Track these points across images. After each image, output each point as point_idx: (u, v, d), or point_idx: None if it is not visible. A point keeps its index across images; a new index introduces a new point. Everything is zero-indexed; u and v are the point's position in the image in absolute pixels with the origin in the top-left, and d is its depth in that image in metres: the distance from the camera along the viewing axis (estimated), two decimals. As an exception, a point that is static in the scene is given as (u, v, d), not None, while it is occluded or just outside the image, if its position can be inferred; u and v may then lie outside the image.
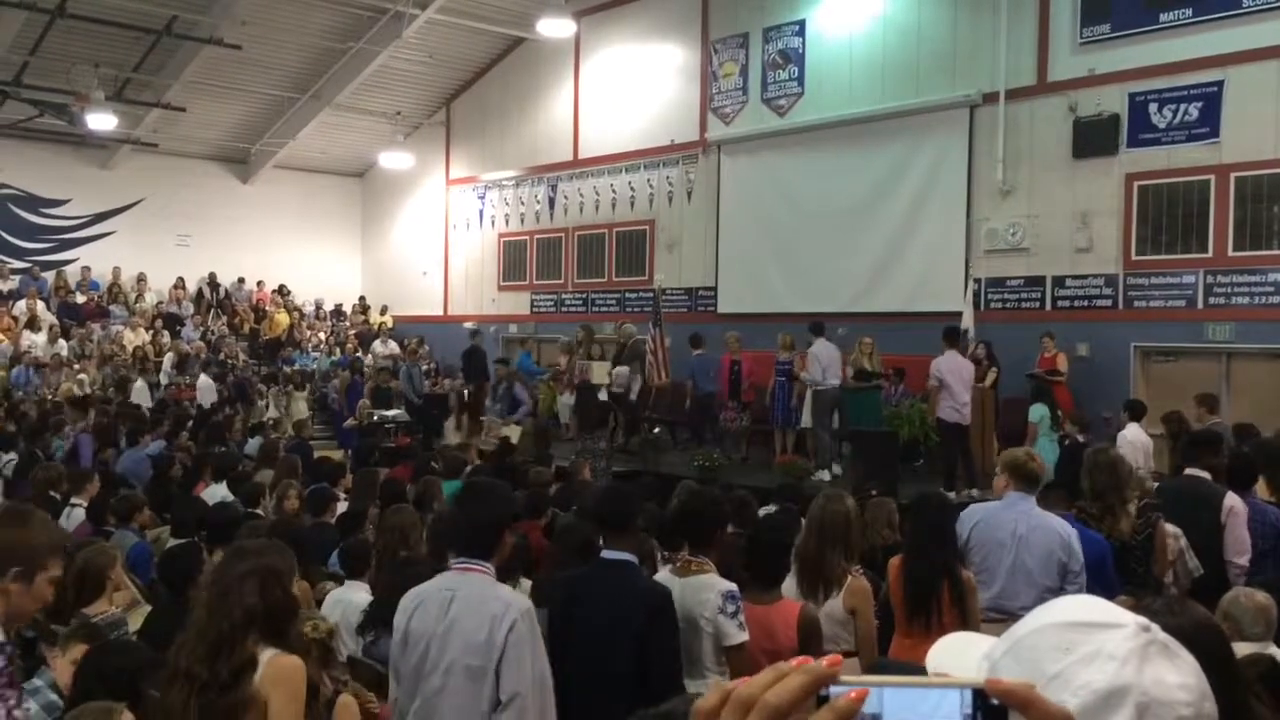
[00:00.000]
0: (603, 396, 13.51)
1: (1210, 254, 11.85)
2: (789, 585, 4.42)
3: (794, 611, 4.16)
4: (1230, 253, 11.72)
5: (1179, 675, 0.94)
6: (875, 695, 0.64)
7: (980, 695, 0.63)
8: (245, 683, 2.81)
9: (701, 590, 3.97)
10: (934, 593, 4.40)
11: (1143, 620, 0.96)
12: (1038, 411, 10.86)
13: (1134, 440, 9.38)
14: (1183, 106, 11.98)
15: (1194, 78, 11.88)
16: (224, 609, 2.87)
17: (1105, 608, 0.99)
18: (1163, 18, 12.09)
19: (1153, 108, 12.21)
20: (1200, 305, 11.92)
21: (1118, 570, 5.00)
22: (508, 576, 4.66)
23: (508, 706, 3.18)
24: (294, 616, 3.07)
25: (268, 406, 17.14)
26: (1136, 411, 9.82)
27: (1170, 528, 5.32)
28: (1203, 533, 5.47)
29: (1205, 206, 11.84)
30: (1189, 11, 11.90)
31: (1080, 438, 10.23)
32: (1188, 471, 5.92)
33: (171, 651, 2.93)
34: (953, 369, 11.00)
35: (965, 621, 4.37)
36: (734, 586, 4.02)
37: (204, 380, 17.04)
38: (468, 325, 19.79)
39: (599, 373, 13.54)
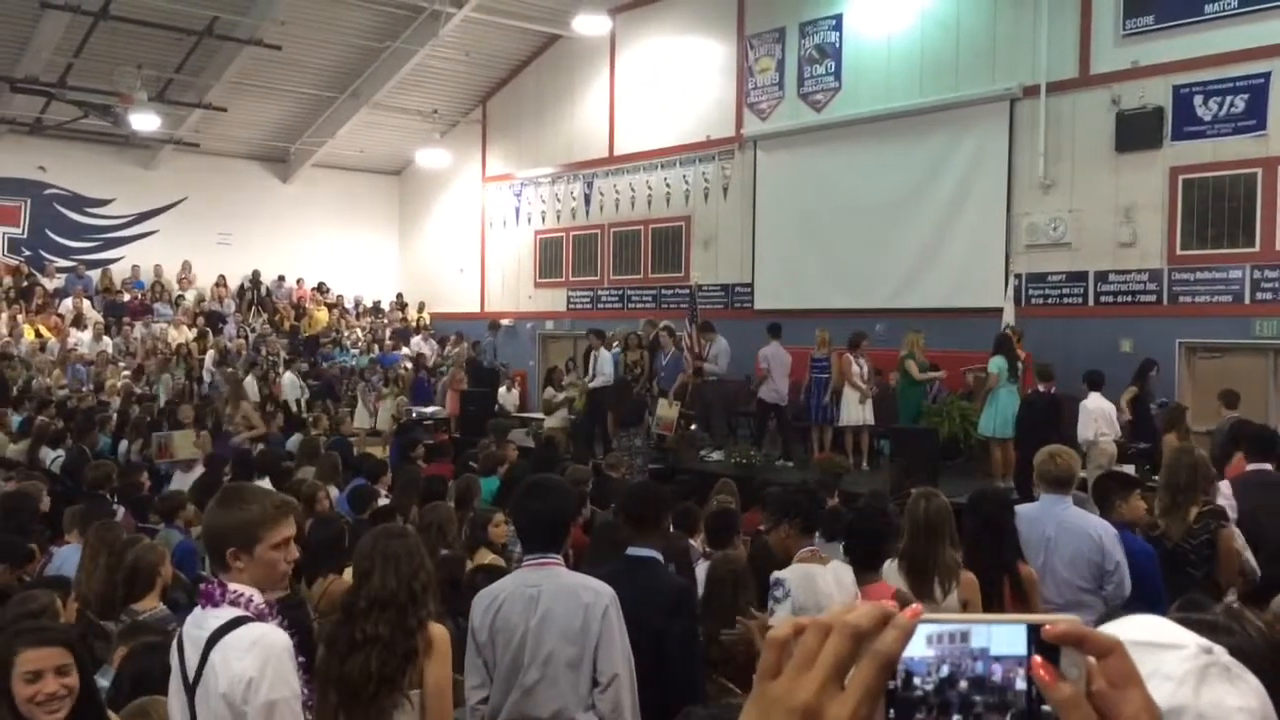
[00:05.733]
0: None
1: (1258, 248, 11.64)
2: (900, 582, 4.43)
3: (888, 593, 4.21)
4: (1278, 247, 11.51)
5: (1239, 698, 0.92)
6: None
7: (1036, 631, 0.69)
8: (419, 639, 3.22)
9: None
10: (996, 589, 4.42)
11: (1204, 642, 0.94)
12: (996, 364, 11.03)
13: (1095, 409, 9.87)
14: (1229, 98, 11.77)
15: (1240, 69, 11.66)
16: (404, 577, 3.26)
17: (1167, 628, 0.98)
18: (1208, 9, 11.88)
19: (1198, 100, 12.00)
20: (1247, 300, 11.71)
21: (1170, 573, 4.92)
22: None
23: (608, 686, 3.38)
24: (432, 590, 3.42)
25: (355, 405, 17.02)
26: (1095, 381, 10.25)
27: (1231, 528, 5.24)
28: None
29: (1252, 200, 11.63)
30: (1234, 2, 11.68)
31: (1041, 388, 10.73)
32: (1251, 466, 5.90)
33: (343, 629, 3.28)
34: (776, 358, 12.91)
35: None
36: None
37: (288, 377, 17.16)
38: (504, 322, 19.93)
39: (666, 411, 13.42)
